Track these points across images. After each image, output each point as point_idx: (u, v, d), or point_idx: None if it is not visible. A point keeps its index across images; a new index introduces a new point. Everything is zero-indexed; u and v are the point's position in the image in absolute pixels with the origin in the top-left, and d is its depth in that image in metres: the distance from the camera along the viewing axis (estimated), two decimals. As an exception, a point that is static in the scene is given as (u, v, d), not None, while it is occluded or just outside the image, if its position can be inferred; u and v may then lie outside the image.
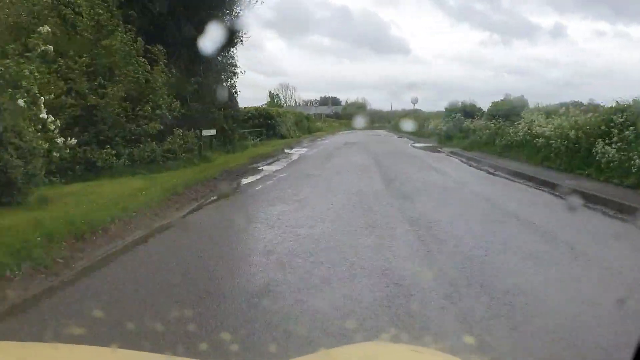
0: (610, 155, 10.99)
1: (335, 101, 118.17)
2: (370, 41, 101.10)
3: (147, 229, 7.08)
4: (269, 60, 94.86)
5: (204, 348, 1.49)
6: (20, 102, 6.95)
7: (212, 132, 16.92)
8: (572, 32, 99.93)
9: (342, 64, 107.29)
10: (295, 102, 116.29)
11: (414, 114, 65.70)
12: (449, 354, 1.31)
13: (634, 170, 10.05)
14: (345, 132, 54.99)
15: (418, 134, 39.78)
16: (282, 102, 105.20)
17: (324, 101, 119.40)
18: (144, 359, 1.25)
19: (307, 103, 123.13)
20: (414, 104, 50.24)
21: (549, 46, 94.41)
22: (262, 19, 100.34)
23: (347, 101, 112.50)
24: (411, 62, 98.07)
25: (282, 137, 33.83)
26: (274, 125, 33.51)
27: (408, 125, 49.09)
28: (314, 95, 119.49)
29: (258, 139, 31.74)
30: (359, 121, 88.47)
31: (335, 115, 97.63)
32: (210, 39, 14.01)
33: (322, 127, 53.66)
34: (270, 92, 40.99)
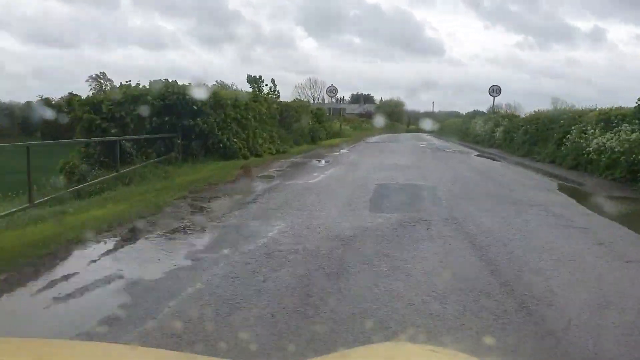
0: None
1: (368, 99, 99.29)
2: (403, 41, 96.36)
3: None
4: (300, 58, 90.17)
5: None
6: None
7: None
8: (612, 36, 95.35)
9: (375, 63, 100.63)
10: (324, 99, 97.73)
11: (476, 115, 46.27)
12: (467, 354, 1.24)
13: None
14: (379, 137, 35.61)
15: (517, 151, 19.68)
16: (309, 98, 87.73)
17: (356, 98, 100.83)
18: (163, 356, 1.24)
19: (337, 100, 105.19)
20: (494, 96, 30.17)
21: (588, 50, 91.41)
22: (293, 17, 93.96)
23: (381, 99, 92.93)
24: (446, 63, 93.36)
25: (231, 155, 14.18)
26: (207, 129, 13.75)
27: (480, 130, 29.01)
28: (346, 94, 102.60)
29: (147, 162, 12.25)
30: (397, 123, 68.78)
31: (368, 114, 78.45)
32: None
33: (342, 130, 33.72)
34: (248, 75, 22.49)
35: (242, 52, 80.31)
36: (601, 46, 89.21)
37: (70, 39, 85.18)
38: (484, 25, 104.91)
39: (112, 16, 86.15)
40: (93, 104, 12.85)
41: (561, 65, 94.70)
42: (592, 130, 13.74)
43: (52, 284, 4.16)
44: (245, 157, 14.33)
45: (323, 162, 15.43)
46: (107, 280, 4.24)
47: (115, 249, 5.37)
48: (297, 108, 23.21)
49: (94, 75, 64.38)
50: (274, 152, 16.74)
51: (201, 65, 79.23)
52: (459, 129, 35.46)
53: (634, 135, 11.24)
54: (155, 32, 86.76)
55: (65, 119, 15.20)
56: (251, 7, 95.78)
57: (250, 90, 21.54)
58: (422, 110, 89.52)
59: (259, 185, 10.04)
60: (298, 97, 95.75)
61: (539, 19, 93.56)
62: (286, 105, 22.00)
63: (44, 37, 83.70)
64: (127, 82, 13.90)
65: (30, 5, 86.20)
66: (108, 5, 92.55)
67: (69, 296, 3.88)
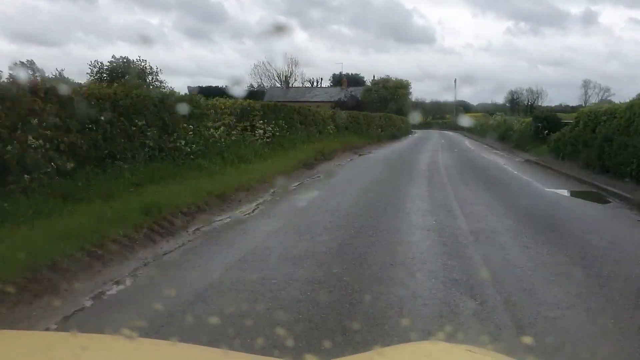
0: None
1: (355, 81, 71.31)
2: (393, 31, 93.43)
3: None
4: (288, 51, 76.99)
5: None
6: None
7: None
8: (604, 20, 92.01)
9: (368, 55, 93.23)
10: (287, 82, 70.29)
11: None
12: (503, 355, 1.26)
13: None
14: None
15: None
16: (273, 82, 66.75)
17: (338, 80, 73.70)
18: (202, 352, 1.29)
19: (312, 82, 73.06)
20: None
21: (581, 35, 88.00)
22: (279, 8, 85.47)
23: (374, 77, 64.52)
24: (438, 53, 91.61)
25: None
26: None
27: None
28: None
29: None
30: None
31: (353, 102, 50.99)
32: None
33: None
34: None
35: (229, 44, 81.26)
36: (596, 30, 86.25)
37: (56, 37, 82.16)
38: (472, 12, 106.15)
39: (94, 12, 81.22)
40: None
41: (557, 52, 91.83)
42: None
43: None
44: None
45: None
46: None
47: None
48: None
49: (18, 63, 42.97)
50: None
51: (188, 59, 79.09)
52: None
53: None
54: (139, 27, 79.63)
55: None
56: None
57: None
58: (427, 100, 74.83)
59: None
60: (259, 81, 65.65)
61: (530, 3, 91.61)
62: None
63: (30, 36, 78.14)
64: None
65: (14, 4, 78.73)
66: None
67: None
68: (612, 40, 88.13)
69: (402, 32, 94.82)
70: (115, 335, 1.15)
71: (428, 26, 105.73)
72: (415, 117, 61.41)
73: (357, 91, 60.94)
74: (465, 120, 48.00)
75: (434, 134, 49.77)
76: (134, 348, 1.16)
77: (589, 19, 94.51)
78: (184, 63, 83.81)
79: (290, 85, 71.68)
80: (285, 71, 67.80)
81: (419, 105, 79.33)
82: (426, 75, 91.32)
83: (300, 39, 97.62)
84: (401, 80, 59.54)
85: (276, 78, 71.56)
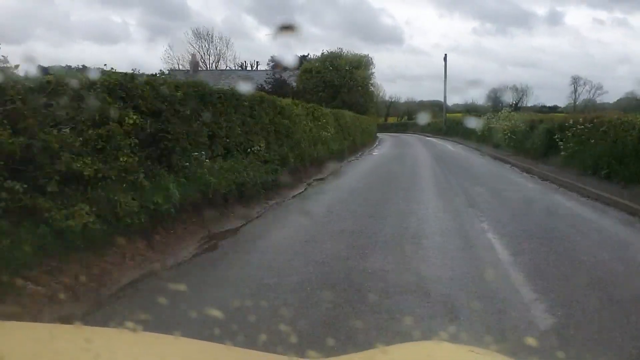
0: None
1: (302, 63, 48.11)
2: (361, 31, 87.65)
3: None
4: (258, 50, 78.69)
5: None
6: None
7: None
8: (570, 20, 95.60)
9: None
10: (196, 65, 50.72)
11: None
12: (507, 356, 1.27)
13: None
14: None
15: None
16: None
17: (277, 62, 49.98)
18: (205, 347, 1.31)
19: (244, 66, 56.48)
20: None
21: (548, 36, 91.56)
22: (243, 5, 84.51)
23: (322, 54, 40.24)
24: (408, 54, 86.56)
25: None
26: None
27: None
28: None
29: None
30: (422, 118, 47.03)
31: (275, 85, 25.99)
32: None
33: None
34: None
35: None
36: (562, 31, 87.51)
37: (14, 34, 65.57)
38: (439, 13, 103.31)
39: (53, 7, 73.44)
40: None
41: (526, 53, 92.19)
42: None
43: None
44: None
45: None
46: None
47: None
48: None
49: None
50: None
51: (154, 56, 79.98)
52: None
53: None
54: (101, 24, 75.21)
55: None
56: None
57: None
58: (402, 100, 69.06)
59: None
60: (174, 66, 51.23)
61: (497, 4, 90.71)
62: None
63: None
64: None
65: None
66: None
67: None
68: (580, 40, 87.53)
69: (371, 31, 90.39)
70: (118, 328, 1.14)
71: (396, 26, 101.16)
72: (423, 118, 46.42)
73: (292, 75, 37.93)
74: (473, 122, 30.76)
75: (418, 149, 26.00)
76: (137, 341, 1.19)
77: (555, 19, 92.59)
78: (150, 59, 77.69)
79: (201, 68, 51.33)
80: (215, 53, 52.27)
81: (393, 105, 69.57)
82: (398, 75, 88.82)
83: (263, 36, 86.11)
84: (359, 55, 35.06)
85: (199, 61, 52.74)
